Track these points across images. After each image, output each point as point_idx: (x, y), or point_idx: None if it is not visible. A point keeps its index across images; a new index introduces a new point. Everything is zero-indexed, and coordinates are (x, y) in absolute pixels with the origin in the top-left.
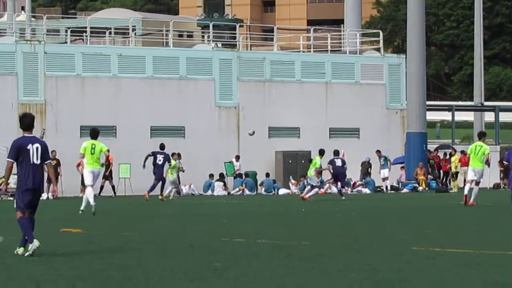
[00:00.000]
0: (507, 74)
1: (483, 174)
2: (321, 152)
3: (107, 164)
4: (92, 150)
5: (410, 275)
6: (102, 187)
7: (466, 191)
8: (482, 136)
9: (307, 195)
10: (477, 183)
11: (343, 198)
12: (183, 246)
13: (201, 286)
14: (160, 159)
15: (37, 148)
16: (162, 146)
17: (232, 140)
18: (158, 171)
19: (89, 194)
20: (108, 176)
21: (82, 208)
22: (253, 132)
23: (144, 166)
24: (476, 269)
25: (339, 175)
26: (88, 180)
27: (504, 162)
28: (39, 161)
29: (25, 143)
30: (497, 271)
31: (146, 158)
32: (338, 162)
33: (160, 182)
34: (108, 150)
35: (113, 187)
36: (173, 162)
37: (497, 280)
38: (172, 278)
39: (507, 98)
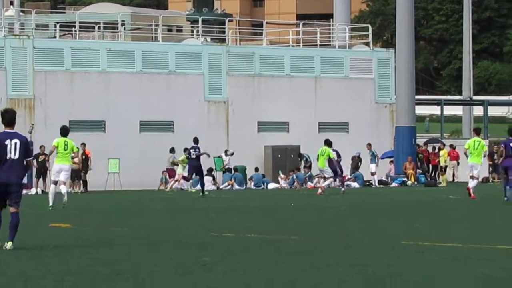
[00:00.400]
0: (496, 68)
1: (480, 168)
2: (330, 143)
3: (85, 159)
4: (65, 147)
5: (401, 270)
6: (85, 182)
7: (470, 185)
8: (480, 132)
9: (324, 185)
10: (476, 178)
11: (343, 189)
12: (172, 241)
13: (190, 281)
14: (193, 153)
15: (15, 144)
16: (195, 140)
17: (221, 135)
18: (191, 164)
19: (61, 189)
20: (85, 171)
21: (50, 204)
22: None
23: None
24: (466, 263)
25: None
26: (56, 176)
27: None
28: (17, 156)
29: (4, 138)
30: (486, 265)
31: (188, 156)
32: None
33: (198, 177)
34: (80, 147)
35: (84, 182)
36: (183, 156)
37: (486, 274)
38: (161, 273)
39: (495, 92)
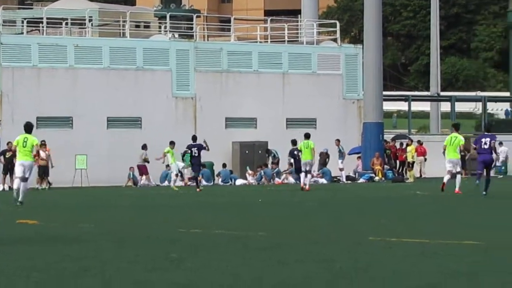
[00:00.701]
0: (463, 64)
1: (459, 162)
2: (309, 136)
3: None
4: (24, 144)
5: (368, 266)
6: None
7: (445, 180)
8: (458, 127)
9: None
10: (458, 172)
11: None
12: (140, 237)
13: (158, 277)
14: (194, 151)
15: None
16: (194, 138)
17: (189, 131)
18: (194, 162)
19: (19, 186)
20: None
21: (20, 199)
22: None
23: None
24: (433, 259)
25: (298, 168)
26: (18, 172)
27: (473, 145)
28: None
29: None
30: (453, 260)
31: (184, 155)
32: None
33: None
34: (41, 144)
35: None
36: (167, 148)
37: (453, 269)
38: (129, 269)
39: (463, 88)
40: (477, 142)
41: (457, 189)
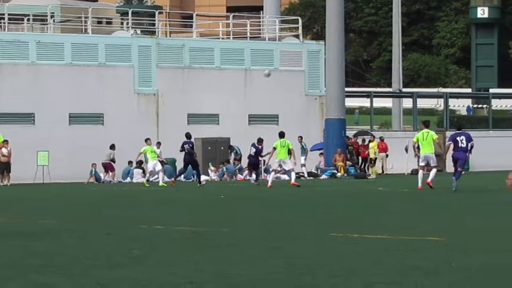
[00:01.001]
0: (425, 60)
1: (434, 157)
2: (284, 134)
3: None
4: None
5: (329, 261)
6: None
7: (419, 179)
8: (428, 124)
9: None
10: (434, 166)
11: (257, 183)
12: (102, 233)
13: (120, 273)
14: (187, 148)
15: None
16: (188, 135)
17: (151, 127)
18: (186, 158)
19: None
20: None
21: None
22: (269, 73)
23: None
24: (394, 255)
25: (252, 163)
26: None
27: (448, 142)
28: None
29: None
30: (414, 256)
31: (182, 150)
32: (252, 151)
33: (195, 171)
34: (4, 141)
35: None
36: (149, 147)
37: (413, 265)
38: (92, 265)
39: (425, 85)
40: (452, 139)
41: (429, 179)
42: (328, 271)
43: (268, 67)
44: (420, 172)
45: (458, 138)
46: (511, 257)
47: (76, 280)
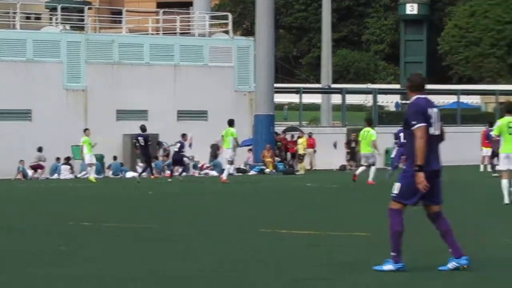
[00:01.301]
0: (354, 56)
1: (374, 156)
2: (230, 122)
3: None
4: None
5: (258, 256)
6: None
7: (357, 172)
8: (370, 122)
9: (225, 173)
10: (372, 164)
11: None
12: (29, 230)
13: (48, 270)
14: (141, 141)
15: None
16: (142, 128)
17: (80, 123)
18: (142, 152)
19: None
20: None
21: None
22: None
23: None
24: (321, 250)
25: (174, 160)
26: None
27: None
28: None
29: None
30: (341, 251)
31: (135, 144)
32: (177, 147)
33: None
34: None
35: None
36: (84, 138)
37: (340, 260)
38: (20, 260)
39: (354, 81)
40: (397, 136)
41: (370, 179)
42: (256, 266)
43: (197, 62)
44: (361, 168)
45: (401, 134)
46: (435, 255)
47: (6, 277)
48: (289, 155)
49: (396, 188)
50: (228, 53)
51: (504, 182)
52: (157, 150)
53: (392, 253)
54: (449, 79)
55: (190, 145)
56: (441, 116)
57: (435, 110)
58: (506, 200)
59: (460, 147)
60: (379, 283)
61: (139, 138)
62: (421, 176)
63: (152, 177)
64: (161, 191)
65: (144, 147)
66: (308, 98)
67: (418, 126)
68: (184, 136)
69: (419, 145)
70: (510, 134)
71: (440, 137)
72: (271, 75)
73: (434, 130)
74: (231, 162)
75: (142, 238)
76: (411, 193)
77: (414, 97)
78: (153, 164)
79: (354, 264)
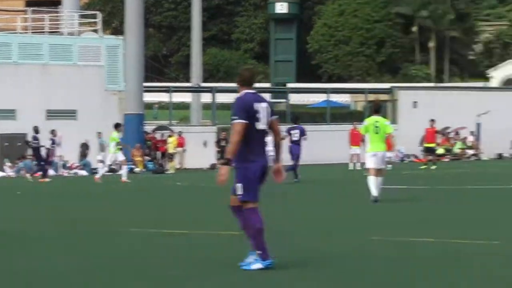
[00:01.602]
0: (224, 55)
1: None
2: (117, 126)
3: None
4: None
5: (127, 255)
6: None
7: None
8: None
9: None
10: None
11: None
12: None
13: None
14: (32, 143)
15: None
16: (35, 129)
17: None
18: (34, 154)
19: None
20: None
21: None
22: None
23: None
24: (194, 249)
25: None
26: None
27: (285, 133)
28: None
29: None
30: (210, 250)
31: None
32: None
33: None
34: None
35: None
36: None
37: (208, 257)
38: None
39: (224, 79)
40: (287, 133)
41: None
42: (124, 266)
43: (66, 62)
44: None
45: (292, 132)
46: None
47: None
48: (159, 154)
49: (239, 189)
50: (97, 52)
51: (372, 179)
52: (25, 150)
53: (258, 252)
54: (319, 78)
55: (59, 144)
56: (272, 112)
57: (263, 105)
58: (374, 192)
59: (329, 146)
60: (246, 281)
61: (32, 140)
62: (225, 170)
63: (29, 176)
64: (31, 191)
65: (36, 149)
66: (178, 97)
67: (237, 122)
68: (53, 131)
69: (234, 139)
70: (376, 133)
71: (267, 133)
72: (140, 74)
73: (261, 125)
74: (103, 161)
75: (11, 238)
76: (252, 186)
77: (243, 92)
78: (21, 164)
79: (223, 263)
